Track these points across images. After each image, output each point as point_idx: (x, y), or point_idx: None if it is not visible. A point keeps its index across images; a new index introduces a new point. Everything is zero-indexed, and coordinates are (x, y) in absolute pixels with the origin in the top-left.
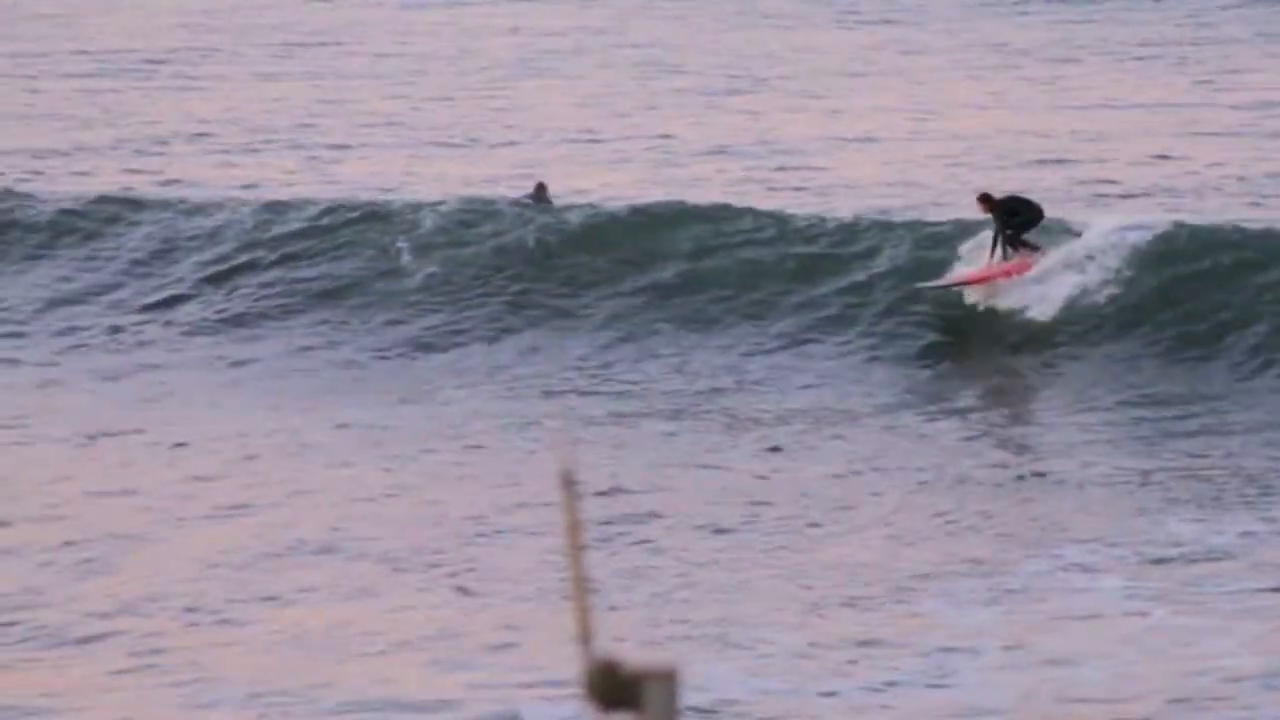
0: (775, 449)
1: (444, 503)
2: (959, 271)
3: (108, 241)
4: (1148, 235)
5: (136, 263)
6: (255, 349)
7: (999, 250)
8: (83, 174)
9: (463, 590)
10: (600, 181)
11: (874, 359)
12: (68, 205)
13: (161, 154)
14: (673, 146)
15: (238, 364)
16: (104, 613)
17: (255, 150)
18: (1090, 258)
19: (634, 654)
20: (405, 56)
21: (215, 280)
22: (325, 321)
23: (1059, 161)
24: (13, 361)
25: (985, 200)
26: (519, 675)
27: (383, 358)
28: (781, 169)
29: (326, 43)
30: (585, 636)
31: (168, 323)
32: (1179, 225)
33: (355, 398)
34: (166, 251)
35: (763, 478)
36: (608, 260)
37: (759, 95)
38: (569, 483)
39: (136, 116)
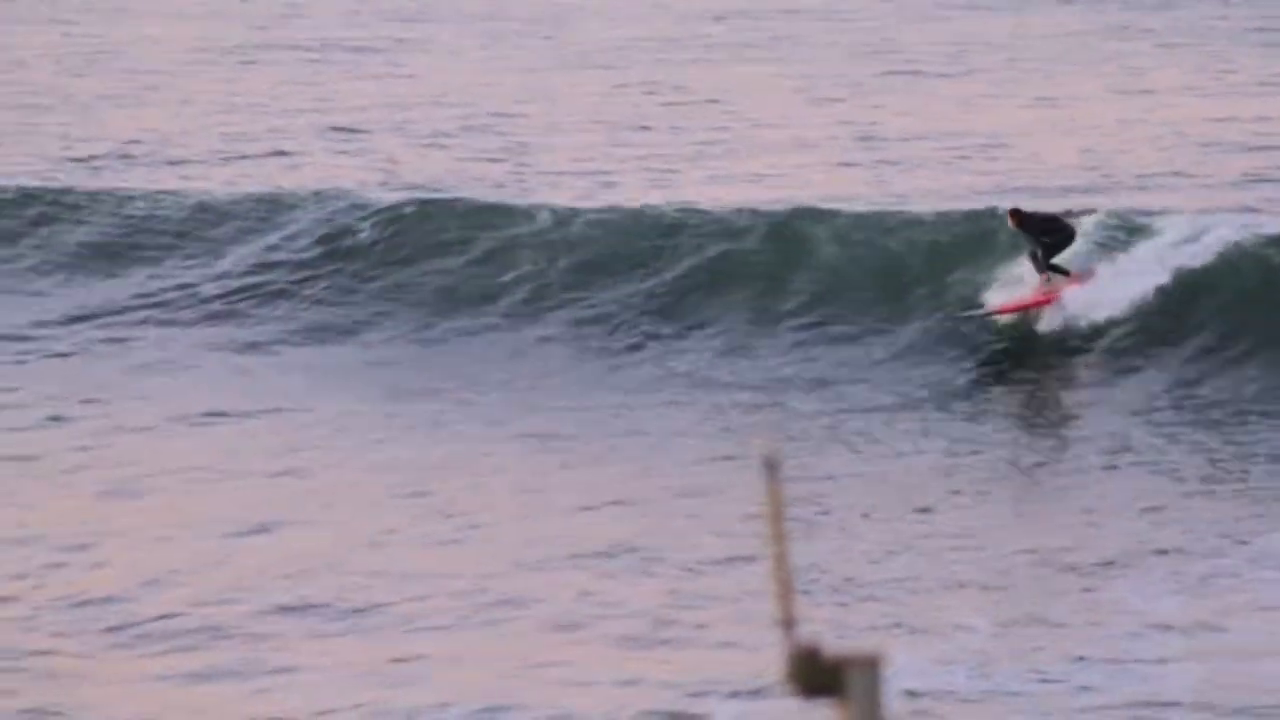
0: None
1: (635, 491)
2: (998, 299)
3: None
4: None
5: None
6: (435, 340)
7: (1033, 268)
8: (285, 154)
9: (650, 578)
10: (796, 163)
11: (1044, 349)
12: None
13: (364, 141)
14: (876, 133)
15: (414, 354)
16: (293, 595)
17: (453, 136)
18: (1196, 250)
19: (831, 641)
20: (612, 41)
21: (387, 273)
22: (502, 317)
23: (1269, 149)
24: (220, 350)
25: (1015, 215)
26: (704, 665)
27: (577, 353)
28: (982, 156)
29: (537, 30)
30: (787, 622)
31: (342, 305)
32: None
33: (539, 392)
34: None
35: (951, 458)
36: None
37: (969, 80)
38: (772, 468)
39: (342, 104)
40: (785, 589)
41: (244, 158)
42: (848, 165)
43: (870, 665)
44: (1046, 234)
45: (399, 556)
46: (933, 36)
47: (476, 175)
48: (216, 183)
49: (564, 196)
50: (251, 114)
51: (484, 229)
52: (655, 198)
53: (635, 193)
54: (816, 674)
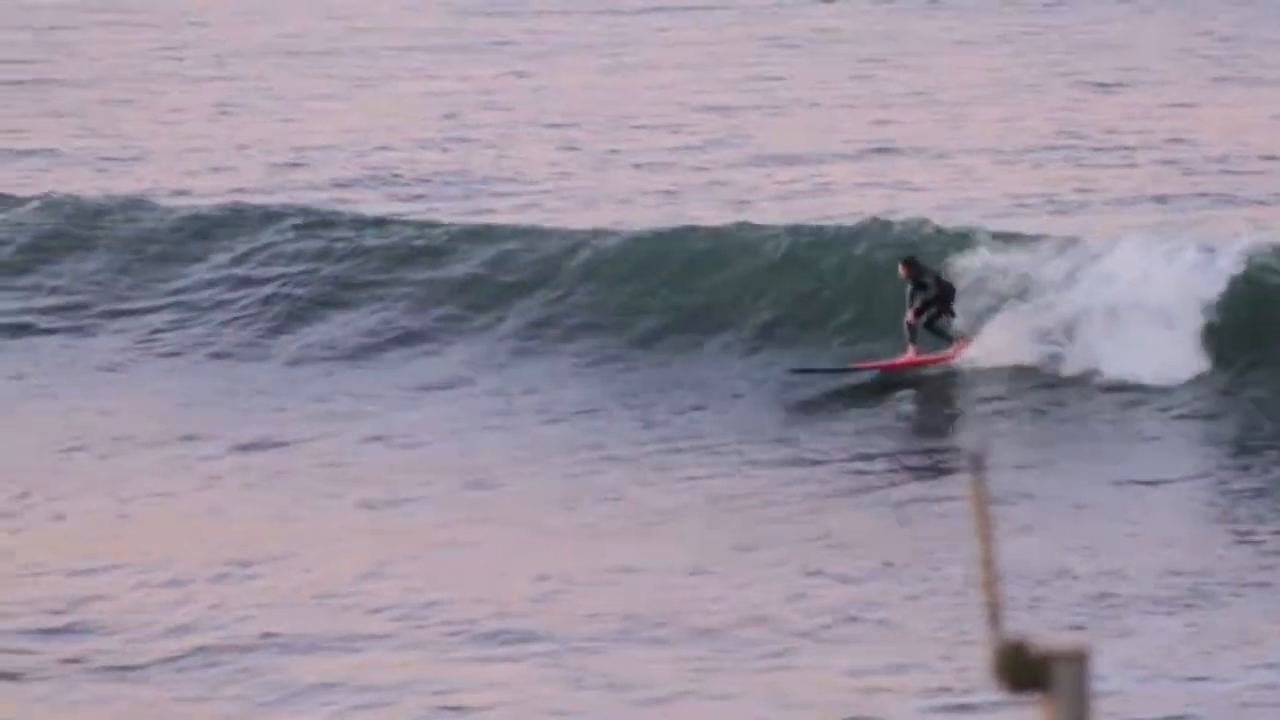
0: None
1: (809, 491)
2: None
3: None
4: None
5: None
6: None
7: (918, 320)
8: (493, 148)
9: (813, 572)
10: (996, 161)
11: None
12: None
13: (575, 136)
14: (1080, 131)
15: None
16: (507, 612)
17: (662, 130)
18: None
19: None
20: (830, 36)
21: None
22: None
23: None
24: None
25: (907, 266)
26: (883, 664)
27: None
28: (1168, 156)
29: (757, 20)
30: (994, 617)
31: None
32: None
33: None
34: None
35: (1142, 454)
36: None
37: (1186, 80)
38: (977, 463)
39: (557, 101)
40: (991, 584)
41: (445, 152)
42: (1047, 166)
43: (1077, 660)
44: (928, 290)
45: (558, 568)
46: (1155, 33)
47: (690, 167)
48: (425, 171)
49: (774, 184)
50: (463, 109)
51: (632, 244)
52: (857, 188)
53: (844, 188)
54: (1023, 669)
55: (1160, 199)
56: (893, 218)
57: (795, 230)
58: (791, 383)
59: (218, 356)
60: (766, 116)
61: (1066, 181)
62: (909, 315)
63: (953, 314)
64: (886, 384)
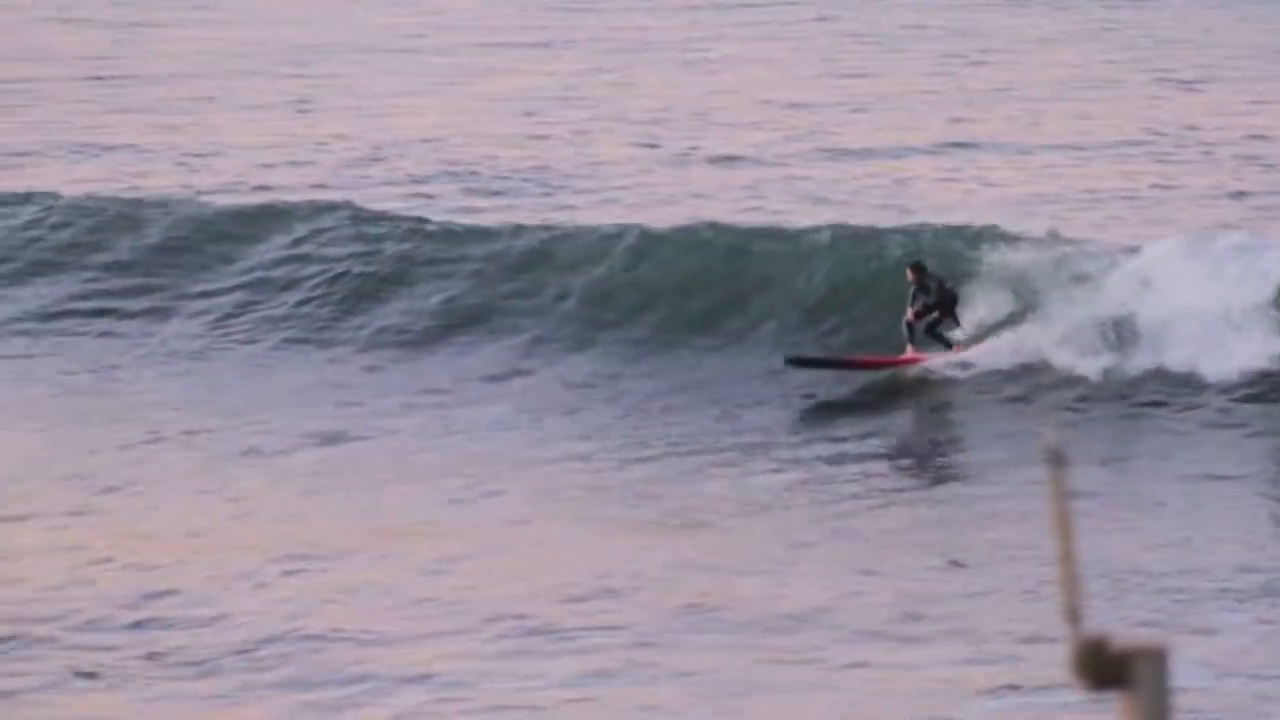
0: None
1: (870, 489)
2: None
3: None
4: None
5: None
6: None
7: (917, 325)
8: (573, 146)
9: (866, 572)
10: (1085, 185)
11: None
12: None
13: (658, 135)
14: (1155, 132)
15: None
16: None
17: (746, 129)
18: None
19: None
20: (925, 34)
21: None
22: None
23: None
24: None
25: (915, 270)
26: (954, 664)
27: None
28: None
29: (848, 13)
30: (1073, 615)
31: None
32: None
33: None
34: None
35: (1214, 450)
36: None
37: (1254, 80)
38: (1057, 459)
39: (641, 101)
40: (1071, 581)
41: (523, 149)
42: (1127, 162)
43: (1158, 657)
44: (930, 295)
45: (627, 563)
46: (1238, 28)
47: (770, 163)
48: (503, 168)
49: (853, 180)
50: (543, 106)
51: (703, 248)
52: (937, 184)
53: (924, 184)
54: (1104, 666)
55: (1239, 195)
56: (945, 220)
57: (844, 228)
58: (853, 377)
59: (291, 343)
60: (848, 113)
61: (1145, 177)
62: (909, 315)
63: (956, 322)
64: (949, 380)
